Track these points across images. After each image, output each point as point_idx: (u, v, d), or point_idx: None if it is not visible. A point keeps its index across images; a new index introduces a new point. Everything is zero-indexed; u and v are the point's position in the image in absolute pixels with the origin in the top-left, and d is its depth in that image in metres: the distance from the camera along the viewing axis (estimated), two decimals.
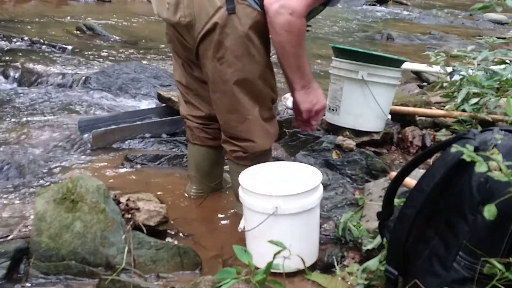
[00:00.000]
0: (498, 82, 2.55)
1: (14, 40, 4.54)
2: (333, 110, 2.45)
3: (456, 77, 2.85)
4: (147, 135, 2.64)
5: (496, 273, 1.02)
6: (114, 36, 5.26)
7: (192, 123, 1.90)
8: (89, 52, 4.41)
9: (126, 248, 1.48)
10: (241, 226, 1.58)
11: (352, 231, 1.61)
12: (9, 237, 1.59)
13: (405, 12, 9.75)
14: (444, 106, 2.73)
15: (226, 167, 2.08)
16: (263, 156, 1.74)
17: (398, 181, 1.27)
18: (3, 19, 5.56)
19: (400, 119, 2.64)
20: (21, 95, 3.30)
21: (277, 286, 1.13)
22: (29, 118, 2.84)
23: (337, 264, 1.52)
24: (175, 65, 1.88)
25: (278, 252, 1.10)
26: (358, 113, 2.37)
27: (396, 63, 2.36)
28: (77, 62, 4.03)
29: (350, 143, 2.29)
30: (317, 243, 1.57)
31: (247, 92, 1.62)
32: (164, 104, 2.97)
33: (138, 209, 1.62)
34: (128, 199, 1.65)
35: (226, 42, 1.53)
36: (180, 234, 1.75)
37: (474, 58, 2.78)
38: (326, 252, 1.58)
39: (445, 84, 3.03)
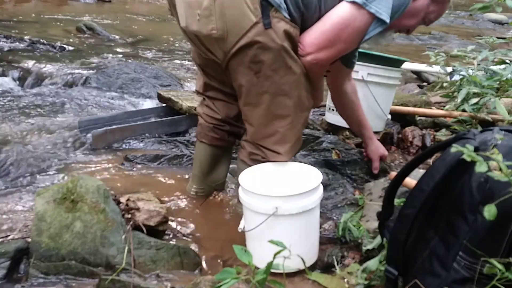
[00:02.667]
0: (498, 82, 2.55)
1: (14, 40, 4.54)
2: (333, 110, 2.46)
3: (456, 77, 2.85)
4: (147, 135, 2.63)
5: (496, 273, 1.02)
6: (114, 36, 5.26)
7: (204, 121, 1.91)
8: (89, 52, 4.41)
9: (126, 248, 1.48)
10: (241, 226, 1.58)
11: (352, 231, 1.61)
12: (9, 237, 1.59)
13: None
14: (444, 106, 2.73)
15: (232, 166, 2.08)
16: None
17: (398, 181, 1.27)
18: (3, 19, 5.56)
19: (400, 119, 2.64)
20: (21, 95, 3.30)
21: (277, 286, 1.13)
22: (29, 118, 2.84)
23: (337, 264, 1.52)
24: (199, 76, 1.90)
25: (278, 252, 1.10)
26: None
27: (396, 63, 2.36)
28: (77, 62, 4.03)
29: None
30: (317, 243, 1.57)
31: (282, 104, 1.60)
32: (164, 104, 2.97)
33: (138, 209, 1.62)
34: (128, 199, 1.65)
35: (263, 56, 1.50)
36: (180, 234, 1.75)
37: (474, 58, 2.78)
38: (326, 252, 1.58)
39: (445, 84, 3.04)
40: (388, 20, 1.50)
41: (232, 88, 1.69)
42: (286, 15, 1.48)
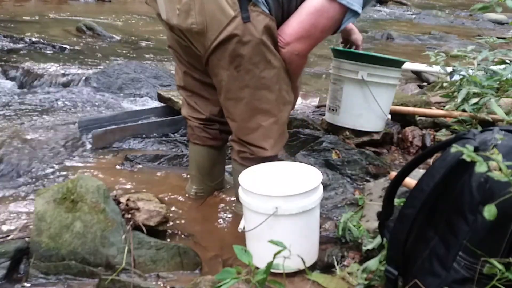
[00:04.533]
0: (498, 82, 2.55)
1: (14, 40, 4.54)
2: (333, 110, 2.46)
3: (456, 77, 2.85)
4: (147, 135, 2.63)
5: (496, 273, 1.02)
6: (114, 36, 5.26)
7: (192, 123, 1.91)
8: (89, 52, 4.40)
9: (126, 248, 1.48)
10: (241, 226, 1.58)
11: (352, 231, 1.61)
12: (9, 237, 1.59)
13: (405, 12, 9.76)
14: (444, 106, 2.73)
15: (228, 166, 2.09)
16: (269, 159, 1.73)
17: (398, 181, 1.27)
18: (3, 19, 5.56)
19: (400, 119, 2.64)
20: (21, 95, 3.30)
21: (277, 286, 1.13)
22: (29, 118, 2.84)
23: (337, 264, 1.52)
24: (177, 69, 1.88)
25: (278, 252, 1.10)
26: (358, 113, 2.37)
27: (396, 64, 2.36)
28: (77, 62, 4.03)
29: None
30: (317, 243, 1.57)
31: (264, 98, 1.61)
32: (164, 104, 2.97)
33: (138, 209, 1.62)
34: (128, 199, 1.65)
35: (243, 50, 1.52)
36: (180, 234, 1.75)
37: (474, 58, 2.78)
38: (326, 252, 1.58)
39: (445, 84, 3.03)
40: (360, 10, 1.54)
41: None
42: (265, 9, 1.50)
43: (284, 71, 1.62)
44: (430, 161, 1.72)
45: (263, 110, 1.63)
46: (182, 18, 1.54)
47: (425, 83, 3.96)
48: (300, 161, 2.15)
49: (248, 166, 1.64)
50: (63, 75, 3.66)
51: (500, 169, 0.91)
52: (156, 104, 3.16)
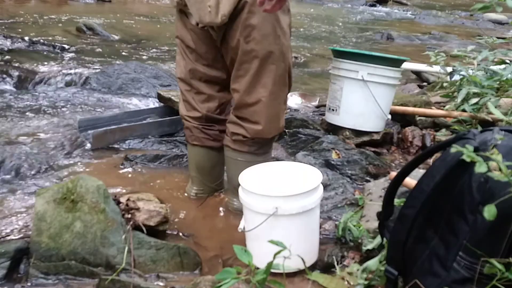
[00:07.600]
0: (498, 82, 2.55)
1: (14, 40, 4.54)
2: (333, 110, 2.46)
3: (456, 77, 2.85)
4: (147, 135, 2.63)
5: (496, 273, 1.02)
6: (114, 36, 5.26)
7: (190, 124, 1.89)
8: (89, 52, 4.40)
9: (126, 248, 1.48)
10: (241, 226, 1.58)
11: (352, 231, 1.61)
12: (9, 237, 1.59)
13: (405, 12, 9.77)
14: (444, 106, 2.73)
15: None
16: (261, 146, 1.76)
17: (398, 181, 1.27)
18: (3, 19, 5.56)
19: (400, 119, 2.64)
20: (21, 95, 3.29)
21: (277, 286, 1.13)
22: (29, 118, 2.84)
23: (337, 264, 1.52)
24: (179, 61, 1.85)
25: (278, 252, 1.10)
26: (358, 113, 2.37)
27: (396, 63, 2.36)
28: (77, 62, 4.02)
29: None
30: (317, 243, 1.57)
31: (269, 72, 1.67)
32: (164, 104, 2.97)
33: (138, 209, 1.62)
34: (128, 199, 1.65)
35: (253, 20, 1.58)
36: (180, 234, 1.75)
37: (474, 58, 2.78)
38: (326, 252, 1.58)
39: (445, 84, 3.03)
40: None
41: (219, 68, 1.77)
42: None
43: (289, 52, 1.68)
44: (430, 161, 1.72)
45: (266, 84, 1.68)
46: (213, 15, 1.59)
47: (425, 83, 3.96)
48: (300, 161, 2.15)
49: (241, 152, 1.69)
50: (63, 75, 3.66)
51: (500, 169, 0.91)
52: (156, 104, 3.16)
